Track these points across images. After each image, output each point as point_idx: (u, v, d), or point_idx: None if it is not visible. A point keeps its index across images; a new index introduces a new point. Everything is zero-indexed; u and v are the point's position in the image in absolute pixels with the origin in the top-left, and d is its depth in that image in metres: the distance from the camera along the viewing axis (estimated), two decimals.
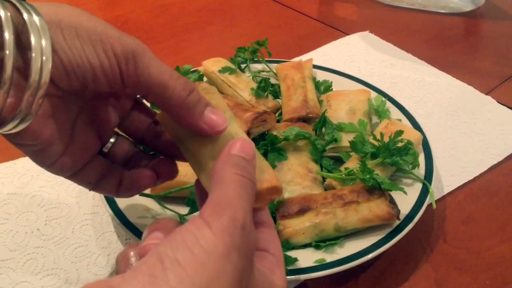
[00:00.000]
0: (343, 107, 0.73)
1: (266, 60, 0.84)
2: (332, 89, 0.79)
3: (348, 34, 1.02)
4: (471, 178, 0.69)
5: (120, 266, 0.36)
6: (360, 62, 0.94)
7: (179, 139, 0.41)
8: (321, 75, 0.82)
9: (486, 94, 0.86)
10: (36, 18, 0.31)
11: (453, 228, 0.63)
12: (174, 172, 0.46)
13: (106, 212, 0.63)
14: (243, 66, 0.83)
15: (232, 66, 0.79)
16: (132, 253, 0.35)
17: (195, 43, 1.02)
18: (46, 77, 0.32)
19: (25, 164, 0.70)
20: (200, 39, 1.03)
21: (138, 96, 0.44)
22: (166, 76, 0.35)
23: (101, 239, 0.61)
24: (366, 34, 1.02)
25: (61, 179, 0.67)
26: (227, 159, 0.34)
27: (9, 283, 0.56)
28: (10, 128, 0.33)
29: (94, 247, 0.60)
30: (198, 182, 0.42)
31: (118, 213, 0.58)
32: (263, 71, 0.84)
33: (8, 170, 0.70)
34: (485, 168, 0.71)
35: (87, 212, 0.64)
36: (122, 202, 0.59)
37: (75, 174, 0.42)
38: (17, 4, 0.32)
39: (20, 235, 0.61)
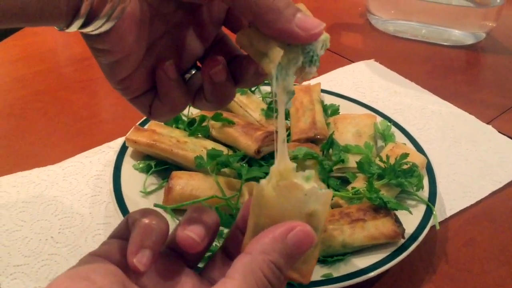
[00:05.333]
0: (350, 130, 0.75)
1: None
2: (339, 112, 0.82)
3: (354, 62, 1.06)
4: (472, 202, 0.72)
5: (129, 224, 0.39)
6: (365, 89, 0.97)
7: (262, 57, 0.36)
8: (328, 99, 0.85)
9: (487, 123, 0.89)
10: None
11: (455, 250, 0.65)
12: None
13: (118, 222, 0.65)
14: (253, 88, 0.86)
15: None
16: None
17: None
18: None
19: (40, 174, 0.72)
20: None
21: (222, 27, 0.41)
22: None
23: None
24: (371, 62, 1.06)
25: (74, 190, 0.70)
26: (278, 243, 0.32)
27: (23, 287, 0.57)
28: (95, 27, 0.32)
29: None
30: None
31: None
32: None
33: (24, 179, 0.71)
34: (486, 194, 0.73)
35: (99, 222, 0.66)
36: None
37: (139, 97, 0.40)
38: None
39: (34, 242, 0.62)
